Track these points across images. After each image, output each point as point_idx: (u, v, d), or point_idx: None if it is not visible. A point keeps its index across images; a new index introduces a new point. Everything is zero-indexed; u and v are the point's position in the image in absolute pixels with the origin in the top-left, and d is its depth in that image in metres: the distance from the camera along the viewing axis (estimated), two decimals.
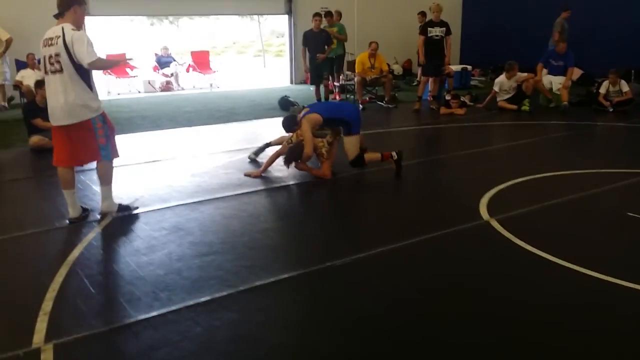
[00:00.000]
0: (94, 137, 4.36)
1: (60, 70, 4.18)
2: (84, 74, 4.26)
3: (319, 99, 10.20)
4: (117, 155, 4.64)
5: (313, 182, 5.66)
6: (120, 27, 24.82)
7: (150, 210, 4.80)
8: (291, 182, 5.65)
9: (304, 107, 6.42)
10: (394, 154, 5.84)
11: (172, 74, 13.35)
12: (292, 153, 5.69)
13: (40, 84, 7.04)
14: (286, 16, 14.10)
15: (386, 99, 10.38)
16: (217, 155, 6.80)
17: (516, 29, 14.07)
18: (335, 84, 10.98)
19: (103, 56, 4.39)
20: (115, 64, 5.91)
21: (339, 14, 11.40)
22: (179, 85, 13.43)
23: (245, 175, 5.83)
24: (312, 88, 10.79)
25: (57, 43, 4.13)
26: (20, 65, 10.08)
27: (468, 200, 4.94)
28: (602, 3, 12.34)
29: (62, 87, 4.20)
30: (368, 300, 3.25)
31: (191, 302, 3.19)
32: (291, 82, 14.30)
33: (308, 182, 5.67)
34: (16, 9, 10.41)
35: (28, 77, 9.45)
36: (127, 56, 9.56)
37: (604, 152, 7.12)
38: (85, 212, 4.69)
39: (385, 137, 8.01)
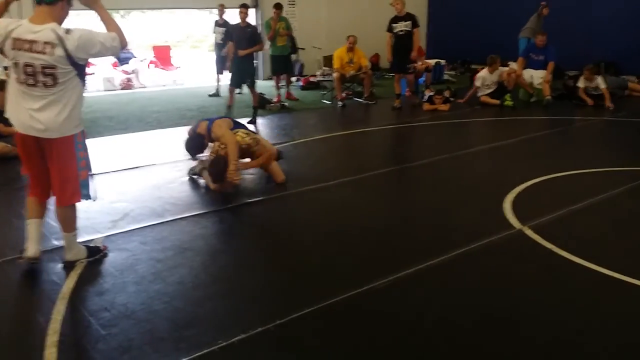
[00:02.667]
0: (75, 163, 3.45)
1: (53, 85, 3.30)
2: (85, 81, 3.50)
3: (229, 105, 8.60)
4: (95, 197, 3.79)
5: (305, 184, 5.22)
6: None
7: (145, 226, 4.27)
8: (297, 189, 5.21)
9: (199, 121, 5.48)
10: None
11: (132, 71, 12.60)
12: (217, 167, 4.87)
13: (1, 85, 6.31)
14: (252, 9, 13.53)
15: (365, 95, 10.02)
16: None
17: (483, 22, 13.98)
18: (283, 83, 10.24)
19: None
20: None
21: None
22: (139, 82, 12.68)
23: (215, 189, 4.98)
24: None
25: (50, 53, 3.20)
26: None
27: (489, 207, 4.62)
28: None
29: (58, 103, 3.33)
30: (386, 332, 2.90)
31: (224, 343, 2.74)
32: (258, 78, 13.72)
33: (304, 186, 5.23)
34: None
35: None
36: None
37: (605, 149, 6.96)
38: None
39: (371, 136, 7.65)
